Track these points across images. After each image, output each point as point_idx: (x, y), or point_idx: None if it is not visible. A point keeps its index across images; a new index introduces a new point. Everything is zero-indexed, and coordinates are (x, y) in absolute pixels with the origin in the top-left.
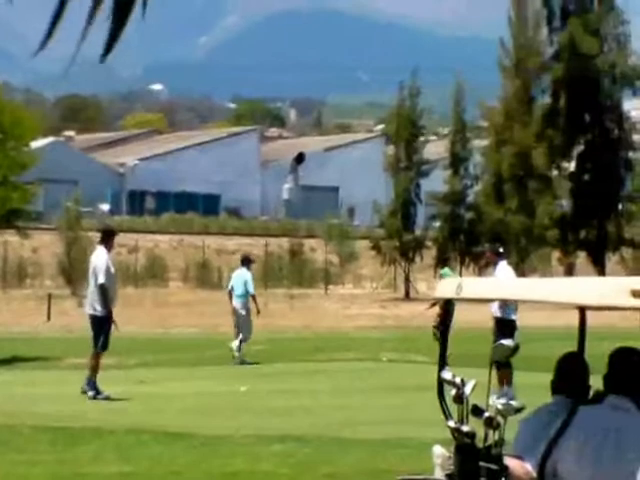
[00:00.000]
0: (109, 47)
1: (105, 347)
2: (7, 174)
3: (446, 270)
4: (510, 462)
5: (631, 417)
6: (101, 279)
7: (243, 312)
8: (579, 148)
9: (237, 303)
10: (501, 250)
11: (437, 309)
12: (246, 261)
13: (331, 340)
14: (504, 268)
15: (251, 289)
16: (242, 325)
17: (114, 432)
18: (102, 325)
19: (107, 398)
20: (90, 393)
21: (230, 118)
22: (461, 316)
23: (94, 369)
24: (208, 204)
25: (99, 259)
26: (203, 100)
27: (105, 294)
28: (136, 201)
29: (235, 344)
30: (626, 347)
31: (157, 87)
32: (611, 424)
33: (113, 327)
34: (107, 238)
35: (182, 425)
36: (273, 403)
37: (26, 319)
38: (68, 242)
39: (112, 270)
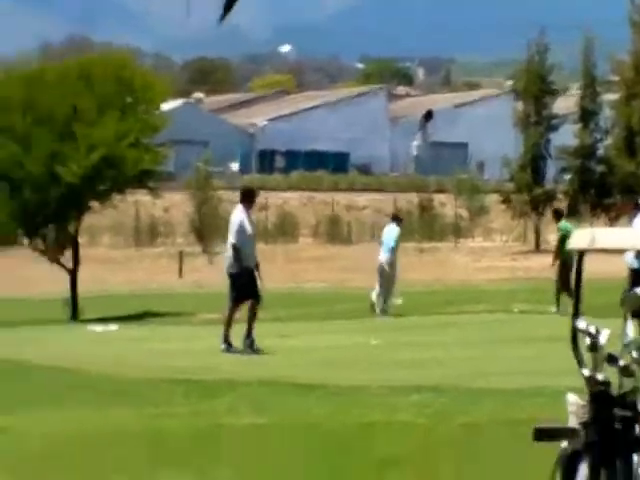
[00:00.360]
0: (228, 8)
1: (256, 298)
2: (139, 136)
3: (563, 223)
4: None
5: None
6: (232, 238)
7: (387, 267)
8: None
9: (383, 257)
10: (639, 201)
11: (558, 264)
12: (395, 218)
13: (461, 293)
14: None
15: (392, 243)
16: (386, 279)
17: (248, 384)
18: (234, 282)
19: (240, 351)
20: (222, 346)
21: (359, 78)
22: (594, 267)
23: (227, 323)
24: (337, 162)
25: (234, 218)
26: (331, 61)
27: (237, 253)
28: (266, 160)
29: (374, 296)
30: None
31: (285, 49)
32: None
33: (259, 283)
34: (245, 197)
35: (315, 377)
36: (404, 355)
37: (159, 276)
38: (199, 201)
39: (249, 230)
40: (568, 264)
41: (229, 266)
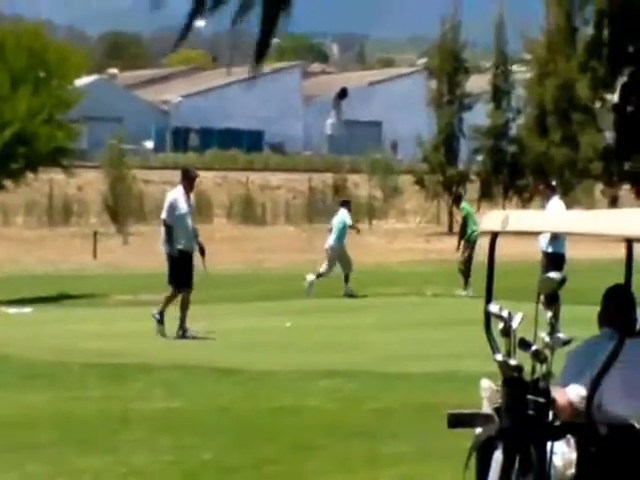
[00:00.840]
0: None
1: (180, 285)
2: (52, 112)
3: (464, 205)
4: (557, 394)
5: None
6: (162, 214)
7: (332, 251)
8: (623, 79)
9: (331, 241)
10: (554, 184)
11: (462, 248)
12: (344, 203)
13: (375, 275)
14: (556, 202)
15: (348, 221)
16: (342, 261)
17: (162, 368)
18: (169, 263)
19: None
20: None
21: (274, 53)
22: (507, 249)
23: (165, 304)
24: (252, 140)
25: (169, 195)
26: (247, 36)
27: (168, 231)
28: (180, 138)
29: (310, 278)
30: None
31: (200, 23)
32: None
33: (201, 266)
34: (184, 177)
35: (229, 361)
36: (318, 339)
37: (73, 257)
38: (112, 179)
39: (183, 209)
40: (471, 245)
41: (162, 245)
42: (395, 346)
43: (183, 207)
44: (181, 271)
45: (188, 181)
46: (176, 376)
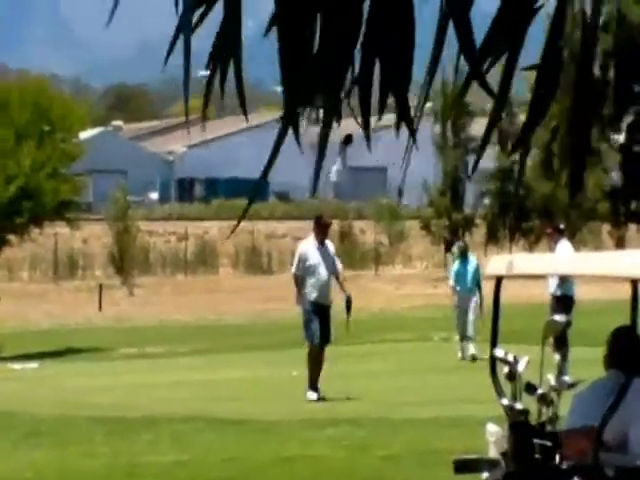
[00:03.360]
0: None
1: (314, 341)
2: (57, 166)
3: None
4: (565, 437)
5: None
6: (292, 269)
7: None
8: (629, 119)
9: None
10: (562, 227)
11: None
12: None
13: (383, 321)
14: (565, 246)
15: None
16: None
17: (169, 421)
18: (303, 316)
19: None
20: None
21: (279, 102)
22: (514, 292)
23: (310, 369)
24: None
25: (298, 247)
26: (252, 85)
27: (298, 284)
28: (185, 188)
29: None
30: None
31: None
32: None
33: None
34: (316, 226)
35: (236, 412)
36: (325, 386)
37: (78, 310)
38: (117, 232)
39: (313, 259)
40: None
41: (296, 301)
42: (402, 392)
43: (314, 258)
44: (310, 323)
45: (320, 229)
46: (183, 428)
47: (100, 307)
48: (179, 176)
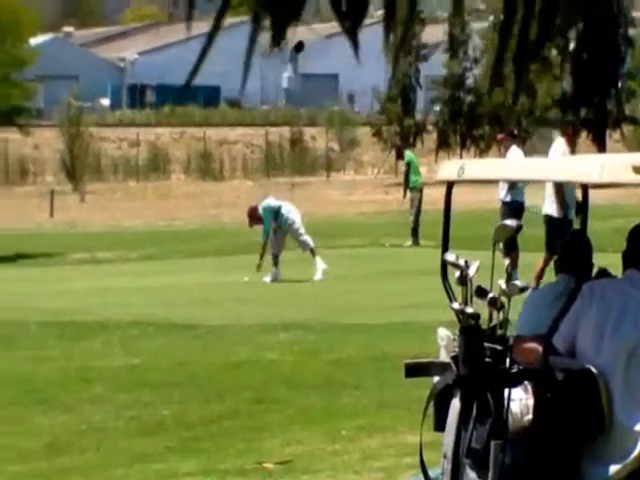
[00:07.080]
0: None
1: None
2: (7, 71)
3: (408, 153)
4: (515, 342)
5: None
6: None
7: None
8: (578, 27)
9: None
10: (515, 132)
11: (409, 196)
12: None
13: (333, 227)
14: (516, 152)
15: None
16: None
17: (120, 325)
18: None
19: None
20: None
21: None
22: (465, 198)
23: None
24: (209, 96)
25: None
26: None
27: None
28: (136, 95)
29: None
30: None
31: None
32: (630, 297)
33: None
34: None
35: (187, 316)
36: (275, 292)
37: (29, 216)
38: (69, 137)
39: None
40: (418, 197)
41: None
42: (353, 297)
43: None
44: None
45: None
46: (134, 333)
47: (52, 213)
48: (130, 82)
